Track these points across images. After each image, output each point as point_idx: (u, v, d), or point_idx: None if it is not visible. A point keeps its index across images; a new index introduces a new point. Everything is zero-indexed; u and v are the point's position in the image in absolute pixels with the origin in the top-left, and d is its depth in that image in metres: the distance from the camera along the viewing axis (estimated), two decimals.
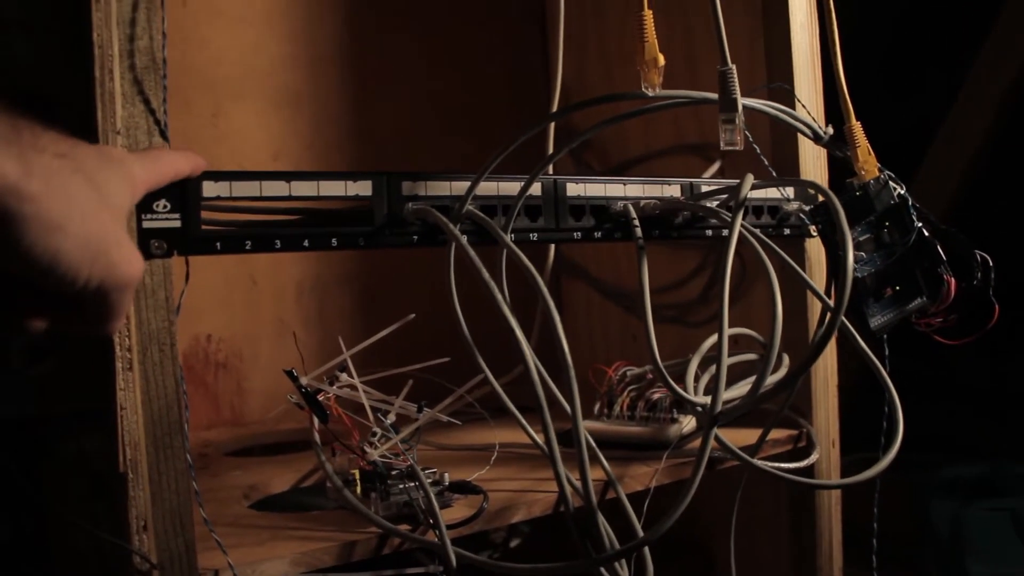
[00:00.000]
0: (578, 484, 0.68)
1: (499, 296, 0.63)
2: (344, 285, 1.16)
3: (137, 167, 0.52)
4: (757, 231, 0.75)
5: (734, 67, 0.64)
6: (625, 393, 0.89)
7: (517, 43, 1.31)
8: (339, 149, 1.16)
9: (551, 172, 0.75)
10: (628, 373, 0.91)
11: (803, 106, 0.86)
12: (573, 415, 0.63)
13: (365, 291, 1.17)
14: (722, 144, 0.66)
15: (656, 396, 0.87)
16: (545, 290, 0.62)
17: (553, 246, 1.06)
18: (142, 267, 0.48)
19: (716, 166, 0.97)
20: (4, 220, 0.41)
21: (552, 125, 0.98)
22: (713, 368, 0.84)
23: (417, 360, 0.71)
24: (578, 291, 1.24)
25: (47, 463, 0.83)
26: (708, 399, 0.69)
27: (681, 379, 0.82)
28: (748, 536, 0.97)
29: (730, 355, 0.86)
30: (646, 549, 0.68)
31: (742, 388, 0.83)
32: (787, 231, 0.87)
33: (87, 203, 0.45)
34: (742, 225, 0.70)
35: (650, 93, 0.65)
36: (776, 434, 0.88)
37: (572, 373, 0.61)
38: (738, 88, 0.65)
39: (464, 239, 0.66)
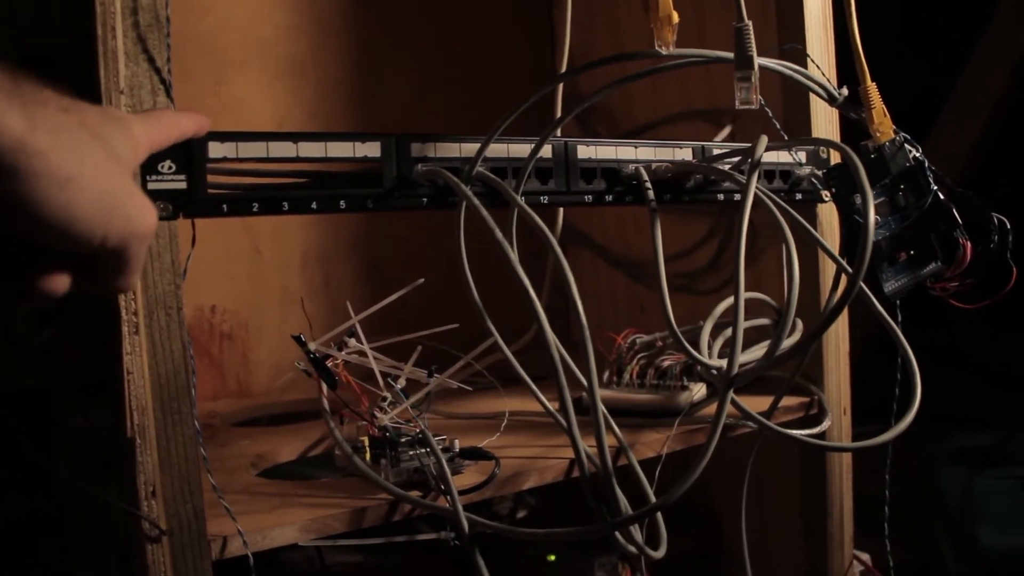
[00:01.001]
0: (591, 450, 0.67)
1: (512, 255, 0.61)
2: (349, 254, 1.16)
3: (139, 127, 0.51)
4: (773, 195, 0.74)
5: (750, 23, 0.63)
6: (635, 361, 0.88)
7: (524, 9, 1.29)
8: (344, 118, 1.14)
9: (560, 135, 0.74)
10: (638, 341, 0.90)
11: (817, 67, 0.85)
12: (589, 379, 0.62)
13: (371, 260, 1.16)
14: (737, 103, 0.64)
15: (666, 363, 0.86)
16: (558, 249, 0.61)
17: (561, 212, 1.04)
18: (156, 217, 0.46)
19: (727, 130, 0.96)
20: (13, 177, 0.39)
21: (560, 89, 0.96)
22: (727, 332, 0.83)
23: (424, 329, 0.71)
24: (585, 260, 1.23)
25: (58, 435, 0.82)
26: (724, 362, 0.68)
27: (694, 345, 0.81)
28: (758, 504, 0.97)
29: (744, 320, 0.85)
30: (659, 515, 0.67)
31: (756, 352, 0.82)
32: (799, 195, 0.86)
33: (96, 156, 0.43)
34: (756, 188, 0.69)
35: (664, 52, 0.64)
36: (788, 401, 0.87)
37: (587, 334, 0.60)
38: (754, 45, 0.63)
39: (476, 200, 0.65)
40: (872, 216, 0.58)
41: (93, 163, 0.42)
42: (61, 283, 0.45)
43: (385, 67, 1.17)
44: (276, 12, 1.10)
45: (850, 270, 0.60)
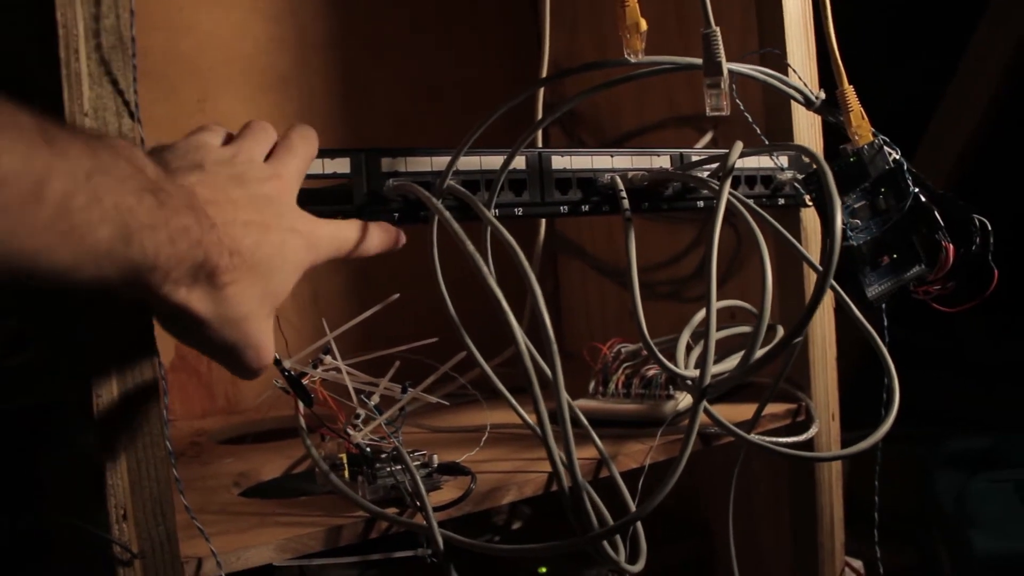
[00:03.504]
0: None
1: (484, 267, 0.61)
2: (337, 269, 1.15)
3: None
4: (749, 201, 0.74)
5: (718, 30, 0.63)
6: (620, 370, 0.87)
7: (510, 19, 1.29)
8: (330, 131, 1.14)
9: (539, 146, 0.74)
10: (623, 350, 0.89)
11: (794, 71, 0.84)
12: (556, 390, 0.61)
13: (359, 274, 1.16)
14: (708, 110, 0.64)
15: (651, 373, 0.85)
16: (526, 262, 0.60)
17: (544, 222, 1.04)
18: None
19: (708, 136, 0.96)
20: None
21: (541, 101, 0.96)
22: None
23: (412, 343, 0.70)
24: (575, 269, 1.23)
25: (45, 455, 0.82)
26: (698, 372, 0.67)
27: (672, 354, 0.81)
28: (749, 514, 0.96)
29: (723, 328, 0.85)
30: (639, 527, 0.67)
31: (734, 361, 0.82)
32: (781, 201, 0.85)
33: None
34: (731, 194, 0.68)
35: (633, 60, 0.63)
36: (775, 408, 0.87)
37: (555, 348, 0.59)
38: (723, 51, 0.63)
39: (447, 212, 0.64)
40: (839, 218, 0.57)
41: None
42: None
43: (370, 79, 1.17)
44: (259, 27, 1.10)
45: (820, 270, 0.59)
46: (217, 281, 0.51)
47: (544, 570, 0.98)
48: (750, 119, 0.85)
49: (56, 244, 0.41)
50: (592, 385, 0.88)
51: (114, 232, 0.44)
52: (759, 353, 0.65)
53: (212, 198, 0.51)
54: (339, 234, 0.61)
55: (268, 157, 0.60)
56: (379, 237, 0.63)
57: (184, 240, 0.48)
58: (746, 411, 0.82)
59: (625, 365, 0.88)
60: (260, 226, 0.54)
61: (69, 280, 0.44)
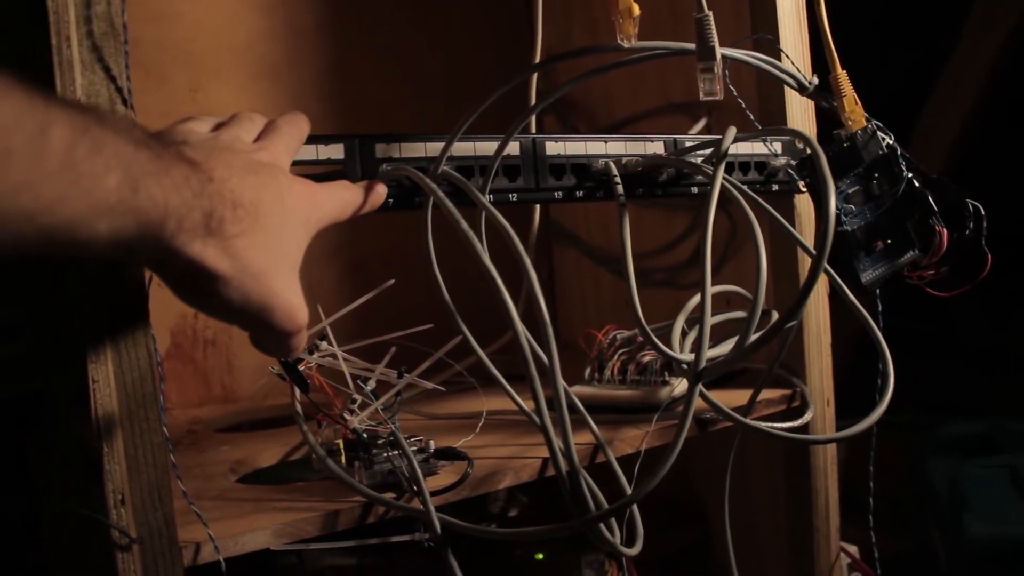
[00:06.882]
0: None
1: (478, 246, 0.61)
2: (332, 258, 1.15)
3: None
4: (743, 186, 0.74)
5: (711, 14, 0.63)
6: (616, 357, 0.87)
7: (502, 7, 1.29)
8: (321, 120, 1.13)
9: (532, 132, 0.74)
10: (618, 337, 0.89)
11: (787, 56, 0.84)
12: (553, 375, 0.61)
13: (353, 263, 1.16)
14: (701, 95, 0.64)
15: (646, 359, 0.85)
16: (521, 246, 0.60)
17: (538, 209, 1.04)
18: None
19: (702, 123, 0.96)
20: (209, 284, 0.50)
21: (534, 88, 0.96)
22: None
23: (407, 329, 0.70)
24: (569, 257, 1.23)
25: (37, 443, 0.82)
26: (693, 356, 0.67)
27: (667, 339, 0.81)
28: (744, 498, 0.97)
29: (718, 313, 0.85)
30: (635, 512, 0.67)
31: (731, 346, 0.82)
32: (775, 187, 0.85)
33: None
34: (726, 179, 0.69)
35: (626, 45, 0.63)
36: (769, 394, 0.87)
37: (551, 332, 0.59)
38: (715, 36, 0.63)
39: (442, 193, 0.64)
40: (833, 202, 0.57)
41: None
42: None
43: (361, 68, 1.17)
44: (249, 16, 1.10)
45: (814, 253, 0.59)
46: (226, 232, 0.49)
47: (541, 556, 0.99)
48: (743, 105, 0.85)
49: (69, 194, 0.42)
50: (588, 371, 0.88)
51: (121, 180, 0.44)
52: (753, 337, 0.65)
53: (203, 160, 0.51)
54: (336, 194, 0.61)
55: (256, 141, 0.59)
56: (371, 196, 0.64)
57: (187, 188, 0.47)
58: (741, 397, 0.82)
59: (620, 351, 0.88)
60: (256, 185, 0.53)
61: (90, 238, 0.44)
